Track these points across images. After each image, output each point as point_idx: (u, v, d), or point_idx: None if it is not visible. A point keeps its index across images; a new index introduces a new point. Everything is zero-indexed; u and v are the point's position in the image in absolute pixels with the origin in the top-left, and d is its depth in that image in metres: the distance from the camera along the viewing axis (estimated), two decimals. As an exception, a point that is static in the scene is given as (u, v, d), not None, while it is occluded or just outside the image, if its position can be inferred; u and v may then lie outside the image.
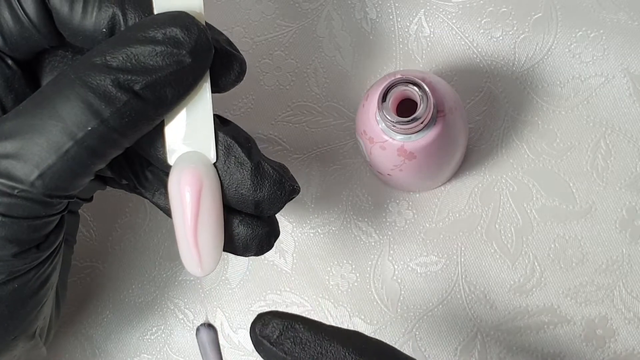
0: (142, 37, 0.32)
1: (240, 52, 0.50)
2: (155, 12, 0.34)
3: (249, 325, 0.34)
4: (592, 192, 0.48)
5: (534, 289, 0.48)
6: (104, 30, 0.34)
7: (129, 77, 0.32)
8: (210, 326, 0.36)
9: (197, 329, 0.36)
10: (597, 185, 0.48)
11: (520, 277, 0.48)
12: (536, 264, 0.48)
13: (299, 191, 0.36)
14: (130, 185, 0.38)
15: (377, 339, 0.35)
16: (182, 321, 0.50)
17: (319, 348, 0.34)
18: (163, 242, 0.50)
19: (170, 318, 0.50)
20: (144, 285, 0.50)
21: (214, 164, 0.35)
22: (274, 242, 0.37)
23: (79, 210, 0.45)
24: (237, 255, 0.37)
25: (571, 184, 0.48)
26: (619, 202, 0.48)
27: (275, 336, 0.34)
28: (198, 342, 0.36)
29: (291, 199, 0.36)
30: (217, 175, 0.35)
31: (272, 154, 0.50)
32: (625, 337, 0.47)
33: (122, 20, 0.34)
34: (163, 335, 0.50)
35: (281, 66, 0.50)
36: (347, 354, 0.34)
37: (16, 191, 0.32)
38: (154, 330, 0.50)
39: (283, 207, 0.36)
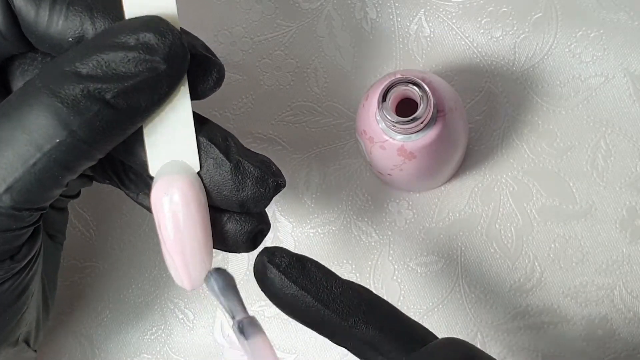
0: (113, 43, 0.31)
1: (240, 52, 0.50)
2: (127, 17, 0.32)
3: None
4: (592, 192, 0.48)
5: (534, 289, 0.48)
6: (71, 39, 0.32)
7: (100, 86, 0.30)
8: (219, 270, 0.34)
9: (208, 275, 0.34)
10: (597, 185, 0.48)
11: (520, 277, 0.48)
12: (536, 264, 0.48)
13: (284, 185, 0.35)
14: (113, 184, 0.38)
15: (380, 297, 0.35)
16: (182, 321, 0.50)
17: (325, 283, 0.34)
18: (163, 242, 0.50)
19: (170, 318, 0.50)
20: (144, 285, 0.50)
21: (198, 172, 0.34)
22: (265, 235, 0.36)
23: (79, 210, 0.45)
24: (229, 252, 0.36)
25: (571, 184, 0.48)
26: (619, 202, 0.48)
27: (284, 265, 0.34)
28: (209, 288, 0.34)
29: (277, 194, 0.35)
30: (202, 185, 0.34)
31: (272, 154, 0.50)
32: (625, 337, 0.47)
33: (90, 29, 0.32)
34: (163, 335, 0.50)
35: (281, 66, 0.50)
36: (352, 296, 0.34)
37: None
38: (154, 330, 0.50)
39: (269, 203, 0.35)
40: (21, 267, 0.34)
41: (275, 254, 0.34)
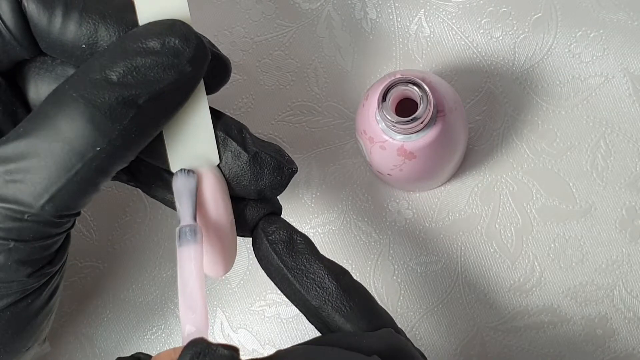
0: (140, 49, 0.31)
1: (241, 52, 0.51)
2: (140, 23, 0.33)
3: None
4: (592, 192, 0.48)
5: (533, 289, 0.48)
6: (84, 46, 0.33)
7: (133, 92, 0.31)
8: (190, 172, 0.34)
9: (175, 175, 0.34)
10: (597, 185, 0.48)
11: (520, 277, 0.48)
12: (536, 263, 0.48)
13: (297, 171, 0.36)
14: (122, 178, 0.38)
15: (363, 287, 0.37)
16: (182, 321, 0.50)
17: (304, 261, 0.36)
18: (163, 242, 0.50)
19: (170, 318, 0.50)
20: (144, 285, 0.50)
21: (218, 165, 0.35)
22: None
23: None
24: (245, 237, 0.37)
25: (571, 184, 0.48)
26: (618, 202, 0.48)
27: (274, 236, 0.36)
28: (173, 188, 0.34)
29: (291, 180, 0.37)
30: (223, 177, 0.35)
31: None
32: (625, 337, 0.47)
33: (104, 35, 0.32)
34: (163, 335, 0.50)
35: (281, 66, 0.50)
36: (327, 279, 0.35)
37: (26, 216, 0.31)
38: (154, 330, 0.50)
39: (285, 189, 0.36)
40: (55, 270, 0.35)
41: (270, 222, 0.36)
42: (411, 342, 0.36)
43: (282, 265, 0.36)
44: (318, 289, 0.35)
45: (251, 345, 0.49)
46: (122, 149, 0.32)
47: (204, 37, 0.34)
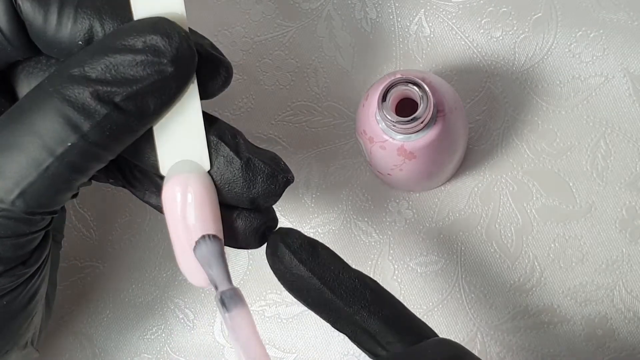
0: (121, 46, 0.31)
1: (241, 52, 0.50)
2: (135, 19, 0.32)
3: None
4: (592, 192, 0.48)
5: (533, 289, 0.48)
6: (80, 42, 0.32)
7: (109, 89, 0.30)
8: (209, 237, 0.33)
9: (197, 243, 0.33)
10: (597, 185, 0.48)
11: (520, 277, 0.48)
12: (536, 263, 0.48)
13: (292, 180, 0.35)
14: (117, 182, 0.38)
15: (388, 291, 0.36)
16: (182, 321, 0.50)
17: (333, 268, 0.35)
18: (163, 242, 0.50)
19: (170, 318, 0.50)
20: (144, 285, 0.50)
21: (210, 171, 0.34)
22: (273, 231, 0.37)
23: (79, 210, 0.45)
24: (239, 248, 0.36)
25: (571, 184, 0.48)
26: (618, 202, 0.48)
27: (295, 246, 0.35)
28: (197, 256, 0.33)
29: (286, 189, 0.35)
30: (213, 183, 0.34)
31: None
32: (625, 336, 0.47)
33: (99, 32, 0.32)
34: (163, 335, 0.50)
35: (281, 66, 0.50)
36: (358, 285, 0.35)
37: None
38: (154, 330, 0.50)
39: (279, 199, 0.35)
40: (32, 272, 0.34)
41: (288, 234, 0.35)
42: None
43: (312, 274, 0.34)
44: (352, 294, 0.35)
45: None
46: (96, 147, 0.31)
47: (204, 38, 0.34)
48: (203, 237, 0.33)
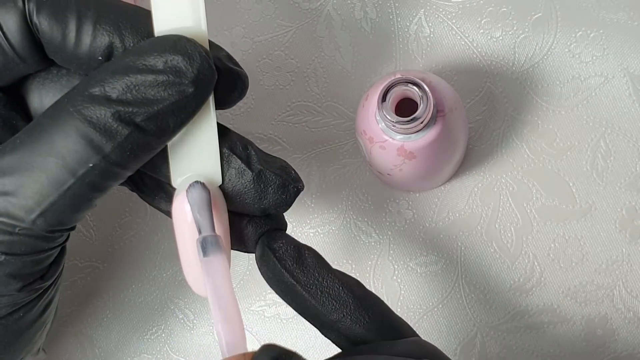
0: (142, 66, 0.31)
1: (241, 52, 0.50)
2: (156, 32, 0.32)
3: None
4: (592, 192, 0.48)
5: (533, 289, 0.48)
6: (100, 57, 0.32)
7: (130, 110, 0.30)
8: (199, 184, 0.33)
9: (191, 186, 0.33)
10: (597, 185, 0.48)
11: (520, 277, 0.48)
12: (536, 263, 0.48)
13: (303, 189, 0.35)
14: (126, 188, 0.38)
15: (375, 295, 0.36)
16: (182, 321, 0.50)
17: (317, 276, 0.35)
18: (163, 242, 0.50)
19: (170, 318, 0.50)
20: (144, 285, 0.50)
21: (220, 186, 0.34)
22: None
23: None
24: (247, 252, 0.36)
25: (571, 184, 0.48)
26: (618, 202, 0.48)
27: (280, 251, 0.35)
28: (189, 199, 0.33)
29: (296, 198, 0.36)
30: (223, 198, 0.34)
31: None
32: (625, 337, 0.47)
33: (119, 47, 0.32)
34: (163, 335, 0.50)
35: (281, 66, 0.50)
36: (342, 292, 0.35)
37: (17, 229, 0.31)
38: (154, 330, 0.50)
39: (290, 207, 0.35)
40: (49, 285, 0.35)
41: (275, 238, 0.35)
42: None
43: (295, 282, 0.34)
44: (334, 303, 0.34)
45: (251, 345, 0.49)
46: (117, 167, 0.31)
47: (222, 49, 0.34)
48: (197, 182, 0.33)
